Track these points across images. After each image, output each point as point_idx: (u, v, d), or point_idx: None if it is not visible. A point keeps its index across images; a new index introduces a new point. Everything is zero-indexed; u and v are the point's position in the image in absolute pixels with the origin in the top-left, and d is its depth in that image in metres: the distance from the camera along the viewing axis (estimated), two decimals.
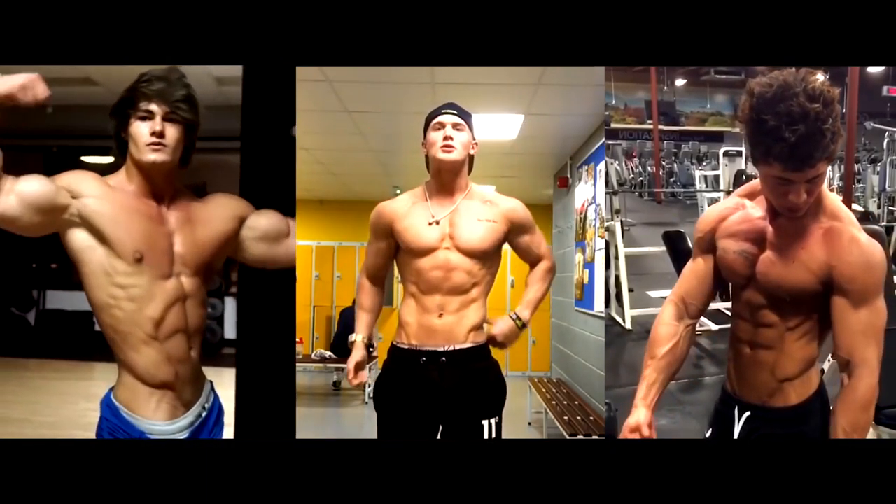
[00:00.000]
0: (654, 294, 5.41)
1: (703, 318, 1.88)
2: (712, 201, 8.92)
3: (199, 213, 1.75)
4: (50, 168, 1.61)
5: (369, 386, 6.82)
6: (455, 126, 2.07)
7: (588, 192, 5.37)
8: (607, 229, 5.25)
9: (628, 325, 5.25)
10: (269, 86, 2.16)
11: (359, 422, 6.19)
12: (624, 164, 14.31)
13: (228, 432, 1.93)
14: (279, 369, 2.34)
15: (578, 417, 4.49)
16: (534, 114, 4.71)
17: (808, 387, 1.60)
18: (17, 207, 1.50)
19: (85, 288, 1.64)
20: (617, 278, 5.34)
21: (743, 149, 9.58)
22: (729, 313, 1.72)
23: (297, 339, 7.46)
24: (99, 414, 1.69)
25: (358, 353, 2.16)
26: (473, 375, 2.07)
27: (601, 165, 5.06)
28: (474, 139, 2.13)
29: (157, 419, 1.66)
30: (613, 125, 17.59)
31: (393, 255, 2.18)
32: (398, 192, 2.31)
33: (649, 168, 14.40)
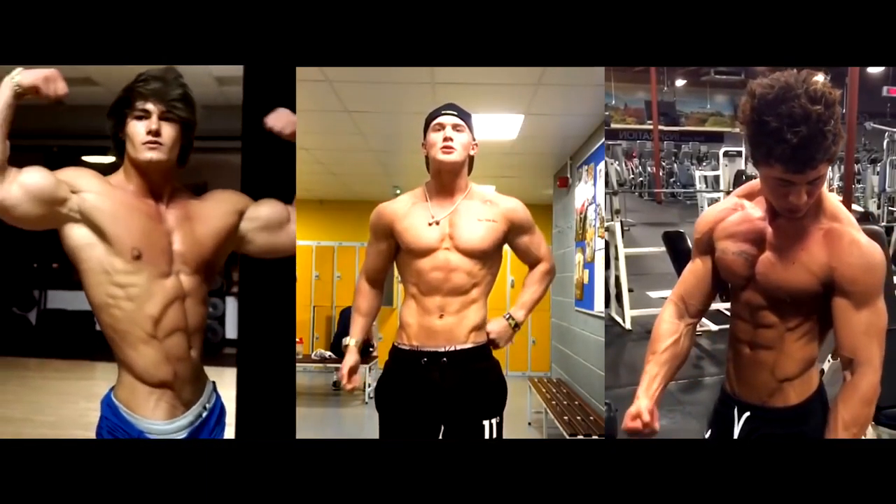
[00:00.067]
0: (654, 294, 5.41)
1: (703, 319, 1.88)
2: (712, 201, 8.92)
3: (198, 210, 1.76)
4: (50, 167, 1.61)
5: (370, 386, 6.84)
6: (455, 127, 2.07)
7: (588, 192, 5.37)
8: (607, 229, 5.25)
9: (628, 326, 5.25)
10: (270, 86, 2.17)
11: (359, 422, 6.19)
12: (624, 165, 14.31)
13: (229, 432, 1.93)
14: (279, 369, 2.34)
15: (578, 417, 4.49)
16: (534, 114, 4.71)
17: (808, 387, 1.60)
18: (17, 196, 1.52)
19: (84, 287, 1.64)
20: (617, 278, 5.34)
21: (743, 149, 9.57)
22: (729, 314, 1.72)
23: (297, 339, 7.46)
24: (99, 413, 1.69)
25: (351, 358, 2.16)
26: (474, 376, 2.07)
27: (601, 165, 5.06)
28: (474, 140, 2.13)
29: (156, 418, 1.67)
30: (613, 125, 17.59)
31: (393, 257, 2.18)
32: (398, 192, 2.31)
33: (649, 168, 14.40)
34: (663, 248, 4.37)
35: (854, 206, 7.30)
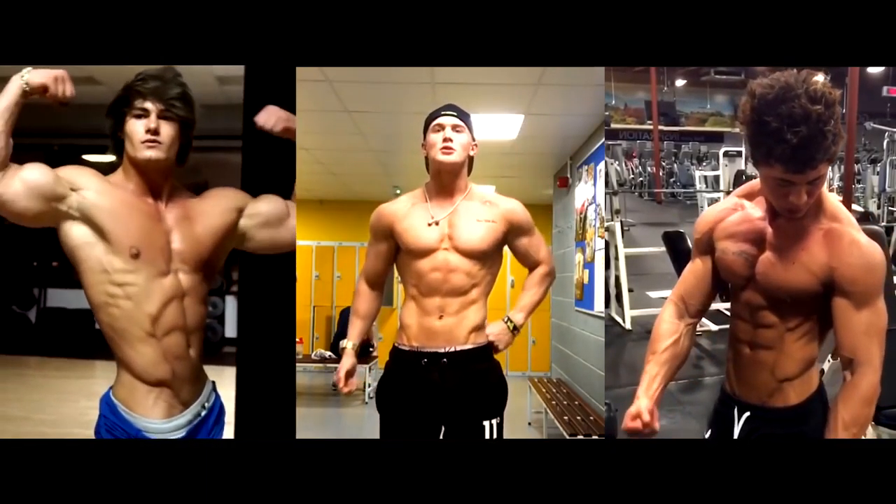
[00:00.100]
0: (653, 294, 5.41)
1: (703, 319, 1.88)
2: (712, 201, 8.92)
3: (197, 209, 1.76)
4: (51, 166, 1.62)
5: (370, 386, 6.84)
6: (454, 128, 2.07)
7: (588, 192, 5.37)
8: (607, 229, 5.25)
9: (628, 326, 5.25)
10: (270, 86, 2.17)
11: (359, 422, 6.19)
12: (624, 165, 14.31)
13: (229, 431, 1.93)
14: (279, 368, 2.34)
15: (578, 417, 4.49)
16: (534, 114, 4.71)
17: (808, 387, 1.60)
18: (17, 190, 1.53)
19: (83, 286, 1.64)
20: (617, 278, 5.34)
21: (743, 149, 9.58)
22: (729, 314, 1.72)
23: (297, 339, 7.46)
24: (98, 412, 1.69)
25: (348, 361, 2.16)
26: (475, 376, 2.07)
27: (601, 165, 5.07)
28: (474, 140, 2.13)
29: (154, 417, 1.67)
30: (613, 125, 17.59)
31: (393, 259, 2.18)
32: (398, 192, 2.31)
33: (649, 168, 14.40)
34: (663, 248, 4.37)
35: (854, 206, 7.30)
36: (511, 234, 2.14)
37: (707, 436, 1.76)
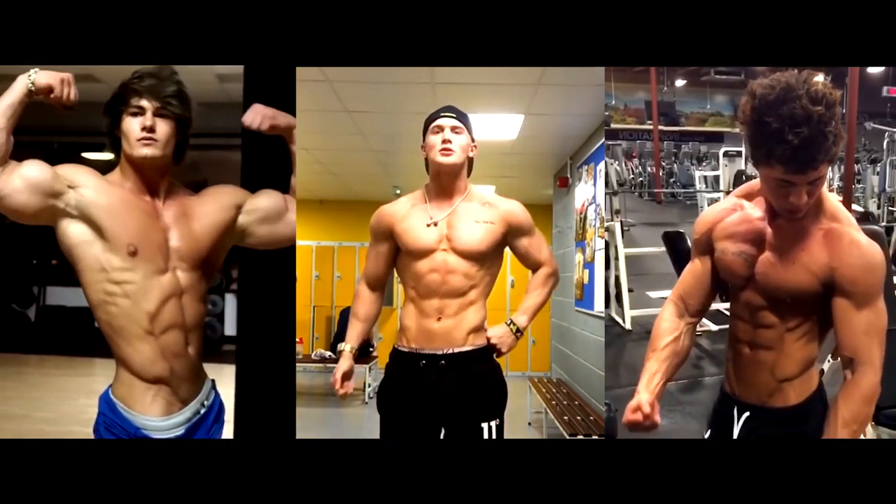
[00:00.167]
0: (653, 294, 5.41)
1: (703, 319, 1.88)
2: (712, 202, 8.92)
3: (195, 206, 1.76)
4: (50, 164, 1.63)
5: (369, 386, 6.84)
6: (453, 129, 2.07)
7: (588, 192, 5.37)
8: (607, 229, 5.25)
9: (628, 326, 5.25)
10: (270, 86, 2.17)
11: (359, 422, 6.19)
12: (624, 165, 14.32)
13: (229, 429, 1.93)
14: (279, 367, 2.35)
15: (578, 417, 4.49)
16: (534, 114, 4.71)
17: (808, 387, 1.60)
18: (15, 185, 1.53)
19: (81, 284, 1.65)
20: (617, 279, 5.34)
21: (743, 149, 9.58)
22: (728, 314, 1.72)
23: (297, 339, 7.46)
24: (97, 410, 1.69)
25: (345, 364, 2.15)
26: (473, 378, 2.06)
27: (601, 165, 5.07)
28: (473, 141, 2.13)
29: (152, 414, 1.67)
30: (613, 125, 17.61)
31: (393, 260, 2.18)
32: (398, 192, 2.32)
33: (649, 168, 14.40)
34: (663, 248, 4.37)
35: (854, 206, 7.31)
36: (511, 235, 2.14)
37: (707, 436, 1.76)
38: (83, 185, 1.61)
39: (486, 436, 2.03)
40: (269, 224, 1.84)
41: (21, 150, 1.56)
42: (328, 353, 7.25)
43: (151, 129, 1.63)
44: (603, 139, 5.08)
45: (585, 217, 5.46)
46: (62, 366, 7.40)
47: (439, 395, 2.03)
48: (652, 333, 1.70)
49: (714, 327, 4.71)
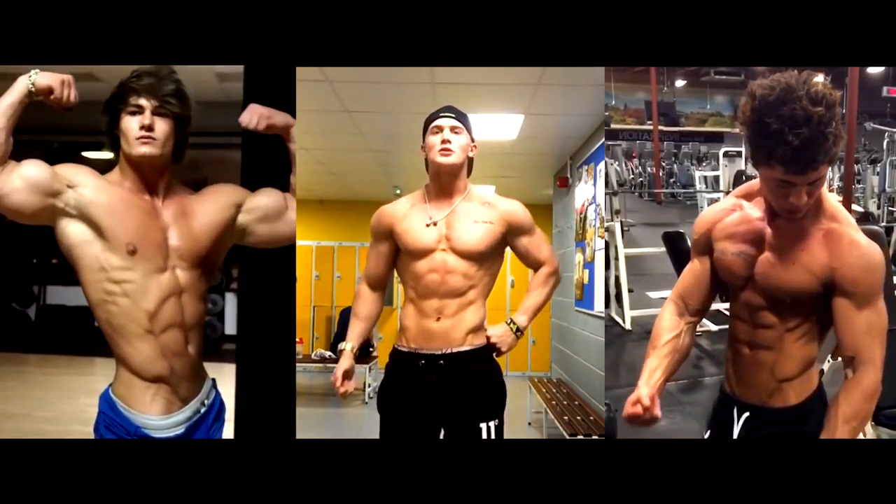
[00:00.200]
0: (653, 295, 5.41)
1: (703, 319, 1.87)
2: (712, 202, 8.91)
3: (194, 205, 1.76)
4: (50, 163, 1.63)
5: (369, 386, 6.84)
6: (453, 129, 2.07)
7: (588, 192, 5.37)
8: (607, 229, 5.25)
9: (628, 326, 5.25)
10: (270, 86, 2.17)
11: (359, 422, 6.19)
12: (624, 165, 14.32)
13: (229, 428, 1.93)
14: (279, 365, 2.35)
15: (578, 417, 4.49)
16: (534, 114, 4.71)
17: (808, 387, 1.60)
18: (14, 184, 1.54)
19: (81, 284, 1.65)
20: (617, 279, 5.34)
21: (743, 149, 9.58)
22: (728, 314, 1.72)
23: (297, 339, 7.46)
24: (98, 409, 1.70)
25: (346, 362, 2.14)
26: (472, 378, 2.06)
27: (601, 165, 5.07)
28: (473, 141, 2.13)
29: (152, 413, 1.67)
30: (613, 126, 17.60)
31: (393, 260, 2.18)
32: (398, 192, 2.32)
33: (649, 168, 14.40)
34: (663, 249, 4.37)
35: (854, 207, 7.30)
36: (510, 234, 2.14)
37: (706, 436, 1.76)
38: (82, 184, 1.61)
39: (484, 436, 2.03)
40: (269, 223, 1.84)
41: (21, 149, 1.56)
42: (328, 353, 7.25)
43: (150, 128, 1.63)
44: (603, 139, 5.08)
45: (585, 217, 5.47)
46: (62, 365, 7.41)
47: (438, 395, 2.03)
48: (652, 332, 1.70)
49: (714, 327, 4.71)
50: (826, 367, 2.50)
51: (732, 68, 18.98)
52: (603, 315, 5.01)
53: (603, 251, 5.08)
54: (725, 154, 10.56)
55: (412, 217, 2.11)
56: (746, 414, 1.64)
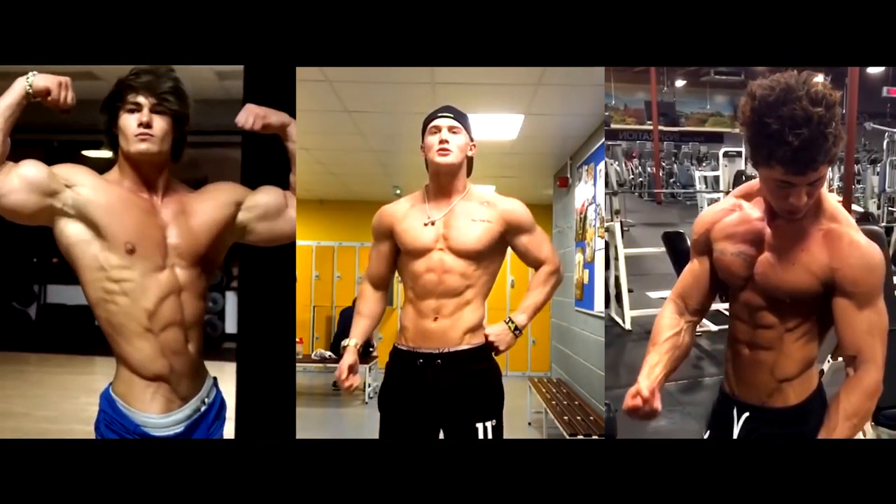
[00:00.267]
0: (653, 295, 5.41)
1: (703, 320, 1.87)
2: (712, 202, 8.91)
3: (193, 203, 1.76)
4: (50, 162, 1.64)
5: (369, 386, 6.84)
6: (451, 129, 2.07)
7: (588, 192, 5.37)
8: (607, 230, 5.25)
9: (628, 326, 5.25)
10: (270, 86, 2.17)
11: (359, 422, 6.19)
12: (624, 165, 14.32)
13: (230, 427, 1.93)
14: (279, 364, 2.35)
15: (578, 417, 4.49)
16: (534, 114, 4.71)
17: (808, 387, 1.60)
18: (12, 184, 1.54)
19: (80, 283, 1.65)
20: (617, 279, 5.35)
21: (742, 149, 9.57)
22: (728, 314, 1.72)
23: (297, 339, 7.46)
24: (98, 407, 1.70)
25: (350, 357, 2.13)
26: (469, 377, 2.06)
27: (601, 165, 5.07)
28: (472, 141, 2.13)
29: (152, 412, 1.67)
30: (613, 126, 17.60)
31: (394, 260, 2.19)
32: (398, 192, 2.32)
33: (649, 169, 14.40)
34: (663, 249, 4.38)
35: (854, 207, 7.30)
36: (509, 233, 2.13)
37: (706, 436, 1.76)
38: (80, 183, 1.61)
39: (480, 436, 2.03)
40: (269, 220, 1.84)
41: (21, 149, 1.56)
42: (328, 353, 7.26)
43: (148, 125, 1.64)
44: (603, 139, 5.09)
45: (585, 217, 5.47)
46: (63, 364, 7.41)
47: (435, 394, 2.03)
48: (652, 330, 1.70)
49: (714, 327, 4.71)
50: (826, 367, 2.50)
51: (732, 68, 18.98)
52: (603, 315, 5.01)
53: (603, 251, 5.08)
54: (725, 154, 10.56)
55: (411, 217, 2.11)
56: (746, 414, 1.64)
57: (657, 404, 1.53)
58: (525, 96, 4.35)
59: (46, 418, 5.12)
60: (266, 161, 2.08)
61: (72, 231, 1.62)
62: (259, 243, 1.86)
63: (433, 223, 2.08)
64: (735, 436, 1.65)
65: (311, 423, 5.91)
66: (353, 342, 2.17)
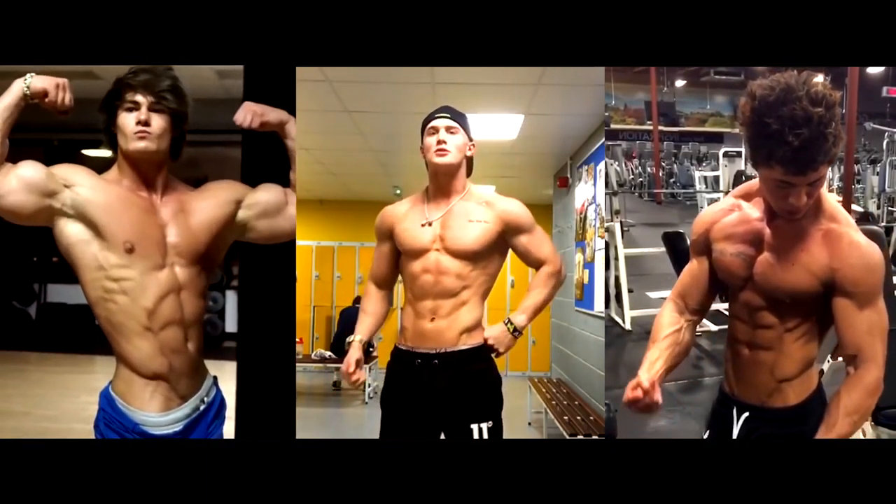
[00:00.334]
0: (653, 295, 5.41)
1: (703, 319, 1.87)
2: (712, 202, 8.90)
3: (193, 202, 1.76)
4: (50, 162, 1.64)
5: (369, 386, 6.84)
6: (449, 129, 2.07)
7: (588, 192, 5.37)
8: (607, 230, 5.25)
9: (628, 326, 5.25)
10: (270, 85, 2.17)
11: (358, 422, 6.20)
12: (624, 165, 14.32)
13: (230, 426, 1.93)
14: (279, 363, 2.35)
15: (578, 417, 4.49)
16: (534, 114, 4.71)
17: (807, 387, 1.60)
18: (11, 185, 1.55)
19: (80, 283, 1.65)
20: (616, 279, 5.35)
21: (742, 150, 9.58)
22: (728, 314, 1.72)
23: (297, 339, 7.46)
24: (98, 406, 1.70)
25: (356, 352, 2.14)
26: (467, 378, 2.06)
27: (601, 165, 5.07)
28: (471, 140, 2.13)
29: (151, 410, 1.67)
30: (613, 126, 17.60)
31: (396, 261, 2.19)
32: (398, 192, 2.32)
33: (649, 169, 14.40)
34: (663, 249, 4.38)
35: (854, 207, 7.30)
36: (508, 233, 2.12)
37: (706, 436, 1.76)
38: (79, 183, 1.62)
39: (476, 437, 2.02)
40: (269, 218, 1.84)
41: (21, 148, 1.56)
42: (328, 353, 7.26)
43: (146, 123, 1.64)
44: (603, 139, 5.09)
45: (585, 217, 5.47)
46: (63, 363, 7.41)
47: (432, 394, 2.04)
48: (652, 328, 1.70)
49: (714, 327, 4.71)
50: (826, 367, 2.50)
51: (732, 68, 18.98)
52: (603, 315, 5.01)
53: (603, 251, 5.08)
54: (725, 154, 10.56)
55: (410, 218, 2.12)
56: (746, 414, 1.64)
57: (657, 397, 1.52)
58: (525, 96, 4.35)
59: (47, 417, 5.13)
60: (266, 159, 2.08)
61: (71, 231, 1.62)
62: (259, 241, 1.87)
63: (430, 224, 2.09)
64: (735, 436, 1.65)
65: (311, 423, 5.91)
66: (357, 338, 2.18)
